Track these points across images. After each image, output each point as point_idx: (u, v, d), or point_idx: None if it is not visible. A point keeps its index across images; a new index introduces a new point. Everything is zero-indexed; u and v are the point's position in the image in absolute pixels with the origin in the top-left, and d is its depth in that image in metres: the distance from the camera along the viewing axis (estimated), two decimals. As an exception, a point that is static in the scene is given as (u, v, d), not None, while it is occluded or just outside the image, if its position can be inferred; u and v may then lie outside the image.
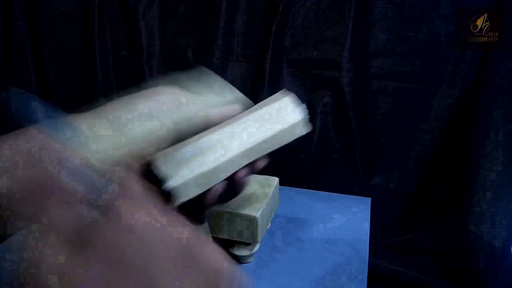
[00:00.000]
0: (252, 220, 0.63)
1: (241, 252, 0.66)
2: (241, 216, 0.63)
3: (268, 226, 0.73)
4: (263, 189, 0.68)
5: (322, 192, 0.86)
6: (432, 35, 0.80)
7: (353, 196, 0.85)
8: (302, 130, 0.36)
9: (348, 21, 0.82)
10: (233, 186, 0.33)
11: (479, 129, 0.81)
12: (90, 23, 0.94)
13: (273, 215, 0.74)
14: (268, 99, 0.37)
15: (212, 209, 0.33)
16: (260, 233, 0.65)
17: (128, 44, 0.96)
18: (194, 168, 0.29)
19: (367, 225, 0.74)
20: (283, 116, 0.35)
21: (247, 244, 0.66)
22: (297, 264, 0.66)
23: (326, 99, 0.89)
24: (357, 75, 0.86)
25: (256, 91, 0.90)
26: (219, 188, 0.32)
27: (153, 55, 0.96)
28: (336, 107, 0.89)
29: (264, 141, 0.34)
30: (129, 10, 0.93)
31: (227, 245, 0.66)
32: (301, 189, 0.87)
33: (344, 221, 0.76)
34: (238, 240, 0.65)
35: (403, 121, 0.87)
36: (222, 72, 0.92)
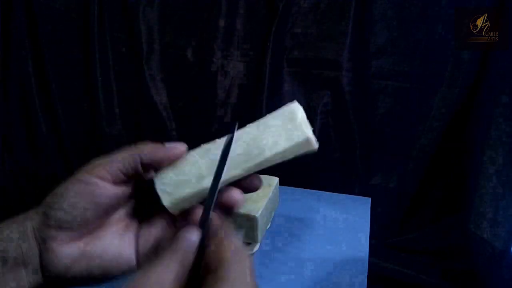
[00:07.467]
0: (252, 220, 0.63)
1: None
2: (241, 216, 0.63)
3: (268, 226, 0.73)
4: (263, 189, 0.68)
5: (322, 192, 0.86)
6: (432, 35, 0.80)
7: (353, 196, 0.85)
8: (309, 148, 0.34)
9: (348, 21, 0.82)
10: (224, 206, 0.33)
11: (479, 129, 0.81)
12: (90, 23, 0.94)
13: (273, 215, 0.74)
14: (275, 112, 0.35)
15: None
16: (260, 233, 0.65)
17: (128, 44, 0.96)
18: (184, 189, 0.34)
19: (367, 225, 0.74)
20: (289, 130, 0.33)
21: (247, 244, 0.66)
22: (297, 264, 0.66)
23: (326, 99, 0.89)
24: (357, 75, 0.86)
25: (256, 91, 0.90)
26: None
27: (153, 55, 0.96)
28: (336, 107, 0.89)
29: (265, 159, 0.33)
30: (129, 10, 0.93)
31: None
32: (301, 189, 0.87)
33: (344, 221, 0.76)
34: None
35: (403, 121, 0.87)
36: (222, 72, 0.92)
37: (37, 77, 1.02)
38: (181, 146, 0.34)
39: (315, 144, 0.34)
